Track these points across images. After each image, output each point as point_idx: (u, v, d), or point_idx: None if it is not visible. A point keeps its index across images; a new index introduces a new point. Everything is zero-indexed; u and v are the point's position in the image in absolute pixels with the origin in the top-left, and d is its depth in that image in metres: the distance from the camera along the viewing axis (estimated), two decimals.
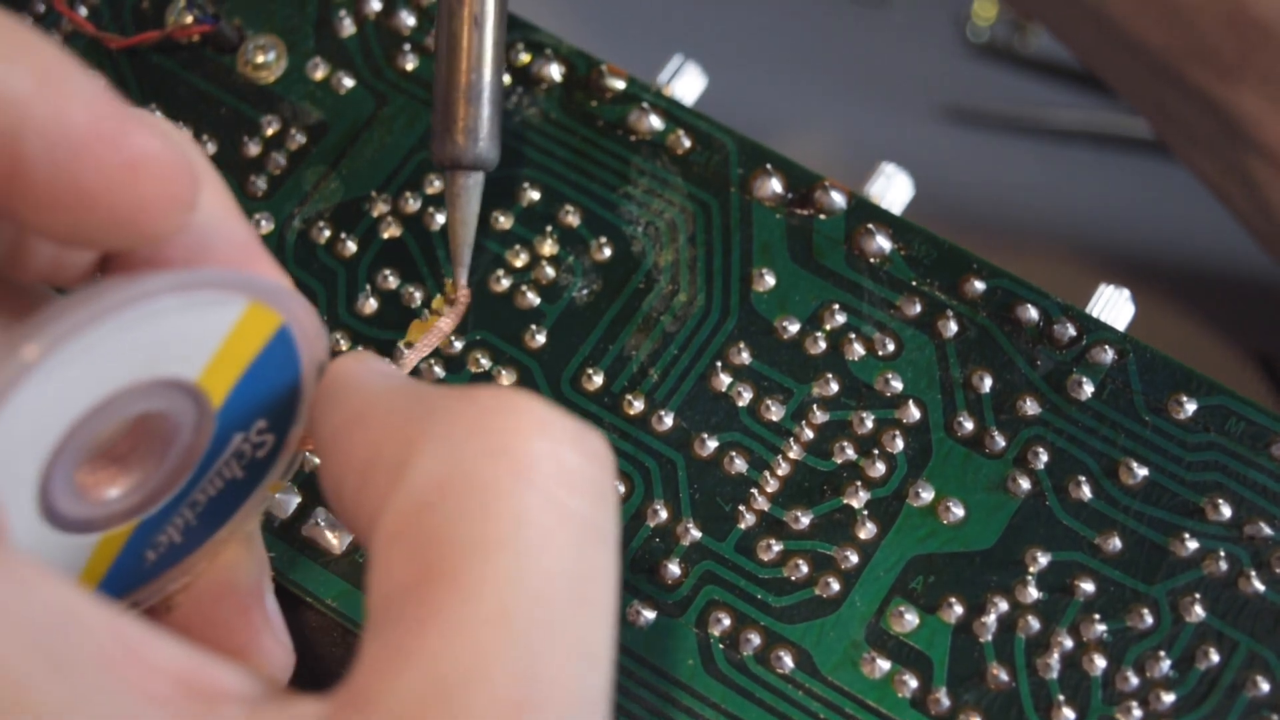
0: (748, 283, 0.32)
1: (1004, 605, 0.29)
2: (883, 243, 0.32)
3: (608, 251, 0.32)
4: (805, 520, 0.30)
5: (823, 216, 0.32)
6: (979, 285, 0.31)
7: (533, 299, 0.32)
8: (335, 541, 0.30)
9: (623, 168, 0.33)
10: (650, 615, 0.29)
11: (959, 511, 0.30)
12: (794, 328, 0.31)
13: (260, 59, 0.35)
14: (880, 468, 0.30)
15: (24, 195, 0.21)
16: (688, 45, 0.37)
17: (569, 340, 0.32)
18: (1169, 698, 0.28)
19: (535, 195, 0.33)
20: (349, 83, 0.35)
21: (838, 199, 0.32)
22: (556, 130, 0.34)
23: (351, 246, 0.33)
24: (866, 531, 0.30)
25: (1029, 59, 0.50)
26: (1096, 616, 0.29)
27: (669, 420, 0.31)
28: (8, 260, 0.24)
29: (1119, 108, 0.48)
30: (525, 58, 0.34)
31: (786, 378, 0.31)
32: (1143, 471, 0.30)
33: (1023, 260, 0.35)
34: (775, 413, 0.31)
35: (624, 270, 0.32)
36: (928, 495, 0.30)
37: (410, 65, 0.35)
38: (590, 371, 0.31)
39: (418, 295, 0.32)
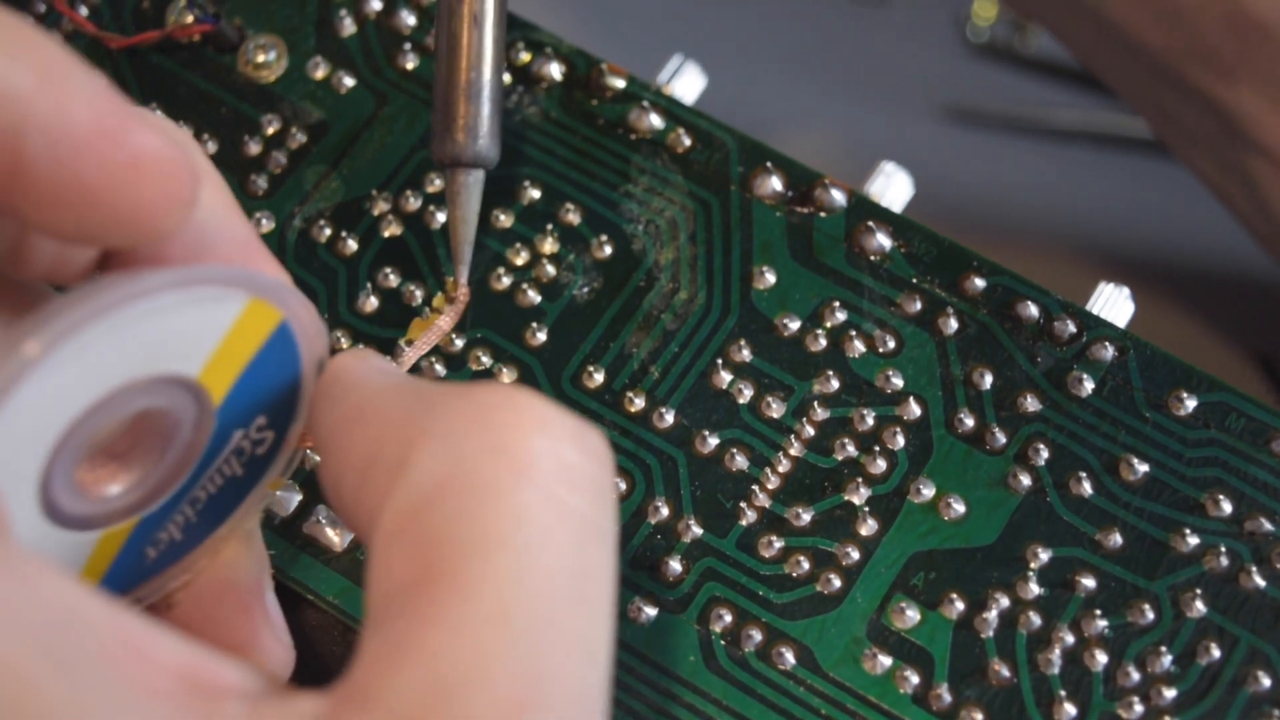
0: (748, 280, 0.32)
1: (1005, 601, 0.29)
2: (883, 240, 0.32)
3: (608, 249, 0.32)
4: (806, 517, 0.30)
5: (823, 214, 0.32)
6: (979, 282, 0.31)
7: (533, 297, 0.32)
8: (336, 539, 0.30)
9: (623, 166, 0.33)
10: (651, 612, 0.29)
11: (960, 508, 0.30)
12: (795, 325, 0.31)
13: (261, 58, 0.35)
14: (881, 464, 0.30)
15: (26, 192, 0.21)
16: (688, 45, 0.37)
17: (570, 338, 0.32)
18: (1170, 693, 0.28)
19: (536, 194, 0.33)
20: (349, 82, 0.35)
21: (838, 197, 0.32)
22: (557, 129, 0.34)
23: (352, 245, 0.33)
24: (868, 528, 0.30)
25: (1029, 59, 0.50)
26: (1097, 612, 0.29)
27: (670, 418, 0.31)
28: (8, 258, 0.24)
29: (1119, 108, 0.49)
30: (525, 57, 0.34)
31: (787, 375, 0.31)
32: (1143, 468, 0.30)
33: (1023, 259, 0.35)
34: (776, 410, 0.31)
35: (625, 268, 0.32)
36: (929, 492, 0.30)
37: (411, 64, 0.35)
38: (591, 369, 0.31)
39: (418, 294, 0.32)
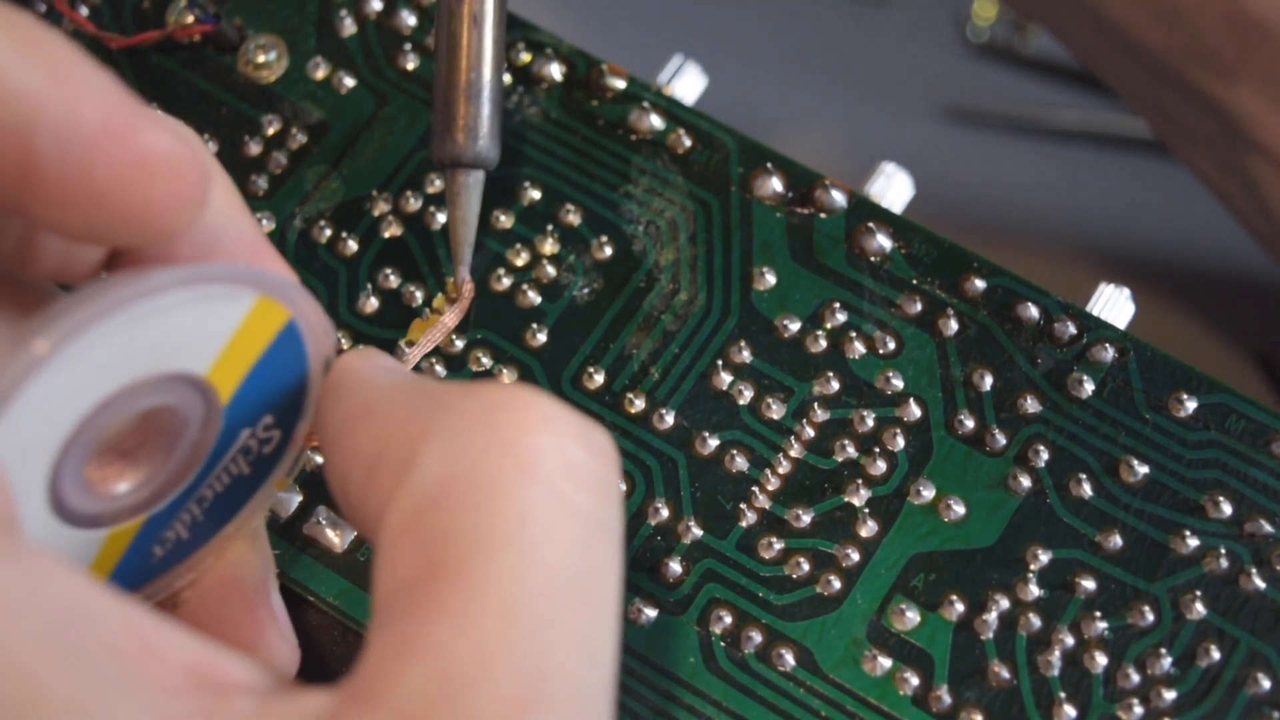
0: (748, 281, 0.32)
1: (1005, 603, 0.29)
2: (883, 241, 0.32)
3: (608, 250, 0.33)
4: (806, 518, 0.30)
5: (823, 215, 0.32)
6: (979, 284, 0.31)
7: (534, 298, 0.32)
8: (336, 540, 0.30)
9: (623, 167, 0.33)
10: (652, 613, 0.29)
11: (960, 509, 0.30)
12: (795, 326, 0.31)
13: (261, 59, 0.35)
14: (881, 466, 0.30)
15: (35, 191, 0.21)
16: (688, 45, 0.37)
17: (570, 339, 0.32)
18: (1170, 695, 0.28)
19: (536, 194, 0.33)
20: (350, 82, 0.35)
21: (838, 198, 0.32)
22: (557, 129, 0.34)
23: (353, 246, 0.33)
24: (868, 529, 0.30)
25: (1029, 59, 0.51)
26: (1097, 614, 0.29)
27: (670, 419, 0.31)
28: (16, 257, 0.24)
29: (1119, 108, 0.49)
30: (526, 57, 0.34)
31: (787, 376, 0.31)
32: (1143, 469, 0.30)
33: (1023, 259, 0.35)
34: (776, 411, 0.31)
35: (625, 269, 0.32)
36: (929, 493, 0.30)
37: (411, 65, 0.35)
38: (591, 370, 0.31)
39: (419, 294, 0.32)
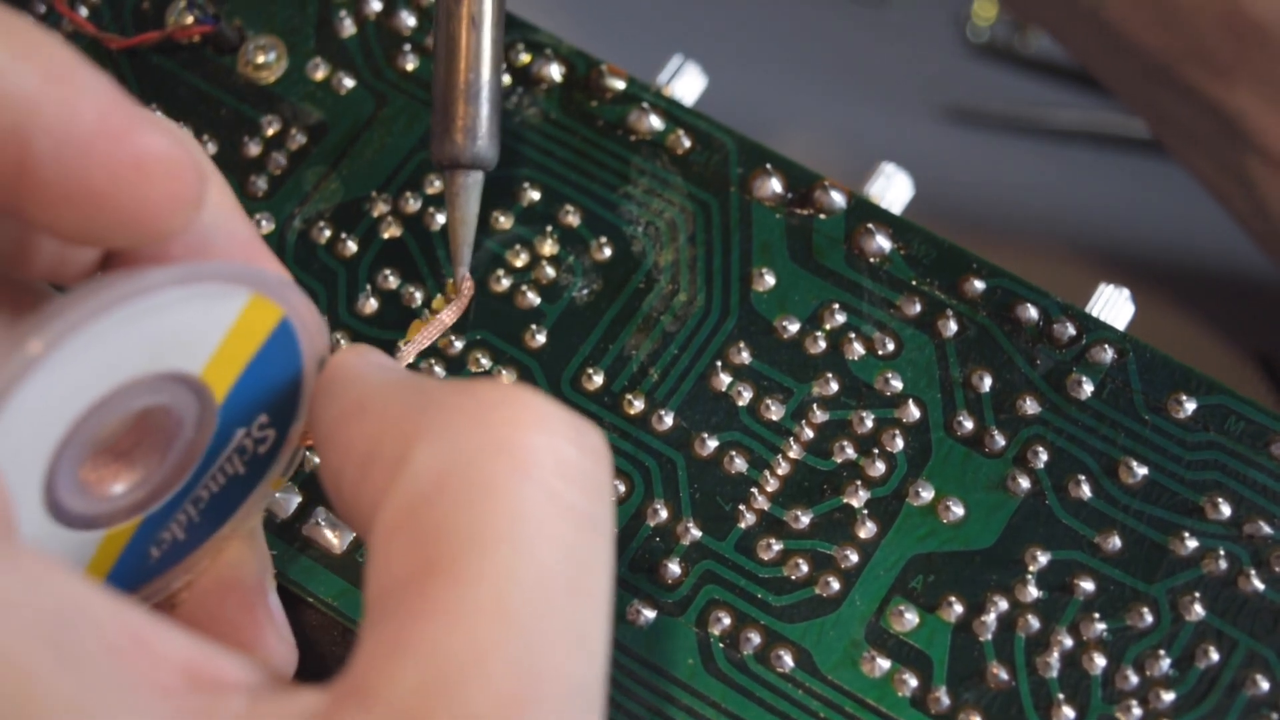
0: (747, 282, 0.32)
1: (1004, 604, 0.29)
2: (882, 242, 0.32)
3: (608, 251, 0.32)
4: (805, 519, 0.30)
5: (822, 216, 0.32)
6: (979, 284, 0.31)
7: (533, 299, 0.32)
8: (335, 541, 0.30)
9: (623, 168, 0.33)
10: (650, 614, 0.29)
11: (959, 511, 0.30)
12: (794, 327, 0.31)
13: (260, 59, 0.35)
14: (880, 467, 0.30)
15: (32, 193, 0.21)
16: (688, 45, 0.37)
17: (569, 340, 0.32)
18: (1169, 696, 0.28)
19: (535, 195, 0.33)
20: (349, 83, 0.35)
21: (837, 199, 0.32)
22: (556, 130, 0.34)
23: (352, 246, 0.33)
24: (866, 531, 0.30)
25: (1029, 59, 0.50)
26: (1096, 615, 0.29)
27: (669, 420, 0.31)
28: (11, 258, 0.24)
29: (1119, 108, 0.49)
30: (525, 58, 0.34)
31: (786, 377, 0.31)
32: (1142, 470, 0.30)
33: (1022, 260, 0.35)
34: (775, 412, 0.31)
35: (624, 270, 0.32)
36: (927, 494, 0.30)
37: (410, 65, 0.35)
38: (590, 371, 0.31)
39: (418, 295, 0.32)
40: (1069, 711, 0.28)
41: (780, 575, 0.29)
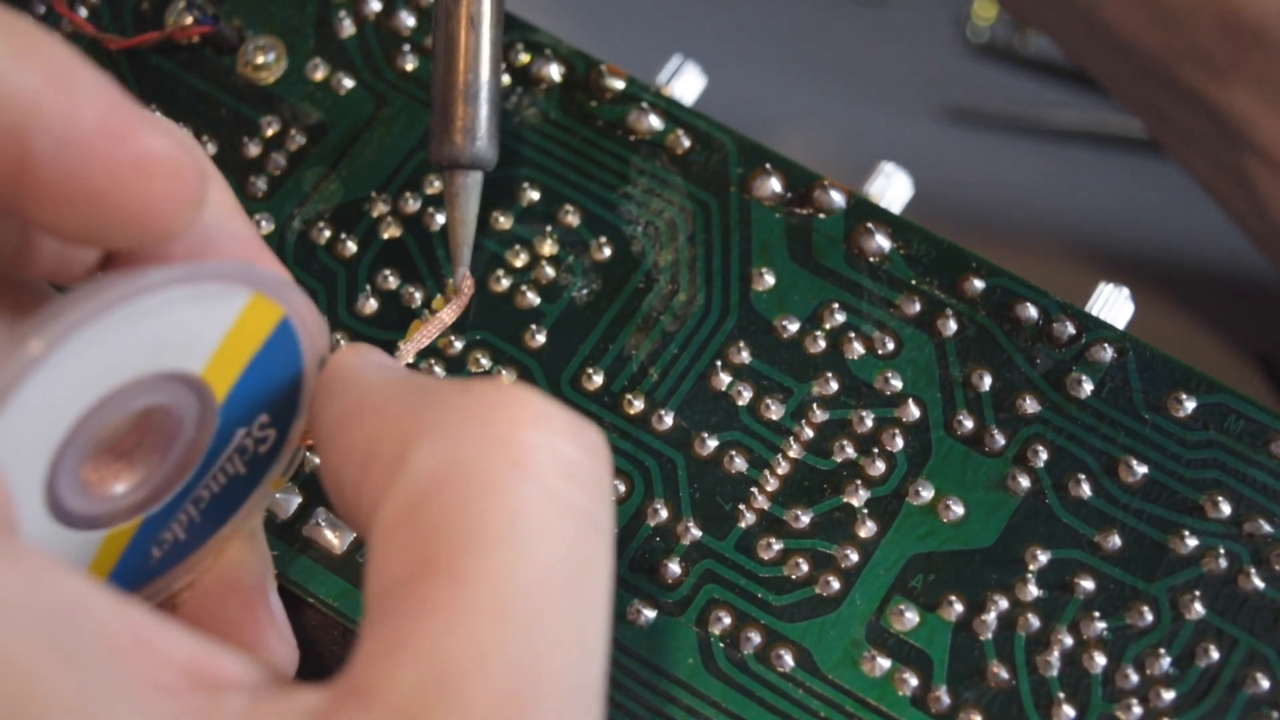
0: (747, 282, 0.32)
1: (1004, 603, 0.29)
2: (882, 242, 0.32)
3: (607, 251, 0.33)
4: (805, 519, 0.30)
5: (822, 216, 0.32)
6: (978, 284, 0.31)
7: (533, 299, 0.32)
8: (335, 541, 0.30)
9: (622, 168, 0.33)
10: (650, 614, 0.29)
11: (959, 510, 0.30)
12: (793, 327, 0.31)
13: (260, 60, 0.35)
14: (880, 466, 0.30)
15: (33, 193, 0.21)
16: (687, 45, 0.37)
17: (569, 340, 0.32)
18: (1169, 695, 0.28)
19: (535, 195, 0.33)
20: (349, 83, 0.35)
21: (837, 198, 0.32)
22: (556, 130, 0.34)
23: (351, 247, 0.33)
24: (866, 530, 0.30)
25: (1029, 59, 0.50)
26: (1096, 614, 0.29)
27: (669, 419, 0.31)
28: (12, 257, 0.24)
29: (1118, 108, 0.48)
30: (524, 58, 0.34)
31: (786, 377, 0.31)
32: (1142, 469, 0.30)
33: (1022, 259, 0.35)
34: (775, 412, 0.31)
35: (624, 270, 0.32)
36: (927, 494, 0.30)
37: (410, 66, 0.35)
38: (590, 371, 0.31)
39: (418, 295, 0.32)
40: (1069, 710, 0.28)
41: (780, 575, 0.29)
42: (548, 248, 0.33)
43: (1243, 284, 0.45)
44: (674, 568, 0.30)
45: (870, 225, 0.32)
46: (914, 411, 0.31)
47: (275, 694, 0.20)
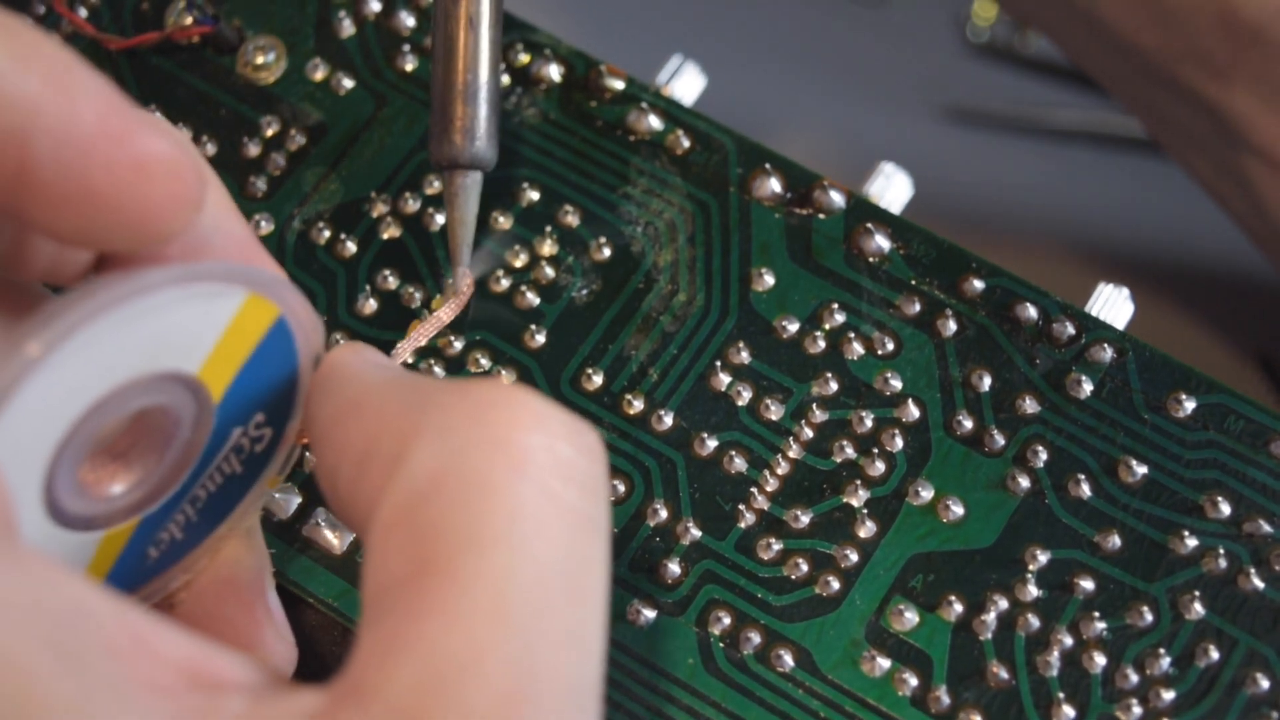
0: (747, 282, 0.32)
1: (1004, 603, 0.29)
2: (882, 242, 0.32)
3: (607, 251, 0.33)
4: (805, 519, 0.30)
5: (822, 216, 0.32)
6: (978, 284, 0.31)
7: (532, 299, 0.32)
8: (335, 541, 0.30)
9: (622, 168, 0.33)
10: (650, 614, 0.29)
11: (958, 510, 0.30)
12: (793, 327, 0.31)
13: (260, 60, 0.35)
14: (880, 466, 0.30)
15: (31, 195, 0.21)
16: (687, 45, 0.37)
17: (569, 340, 0.32)
18: (1169, 695, 0.28)
19: (534, 195, 0.33)
20: (349, 83, 0.35)
21: (837, 198, 0.32)
22: (555, 130, 0.34)
23: (351, 247, 0.33)
24: (866, 530, 0.30)
25: (1029, 59, 0.50)
26: (1096, 614, 0.29)
27: (669, 420, 0.31)
28: (8, 259, 0.24)
29: (1118, 108, 0.49)
30: (524, 58, 0.34)
31: (786, 377, 0.31)
32: (1142, 469, 0.30)
33: (1022, 259, 0.35)
34: (775, 412, 0.31)
35: (623, 270, 0.32)
36: (927, 494, 0.30)
37: (410, 66, 0.35)
38: (590, 371, 0.31)
39: (417, 296, 0.32)
40: (1069, 710, 0.28)
41: (780, 575, 0.29)
42: (547, 248, 0.33)
43: (1243, 284, 0.45)
44: (674, 568, 0.30)
45: (870, 225, 0.32)
46: (914, 412, 0.31)
47: (273, 694, 0.20)
